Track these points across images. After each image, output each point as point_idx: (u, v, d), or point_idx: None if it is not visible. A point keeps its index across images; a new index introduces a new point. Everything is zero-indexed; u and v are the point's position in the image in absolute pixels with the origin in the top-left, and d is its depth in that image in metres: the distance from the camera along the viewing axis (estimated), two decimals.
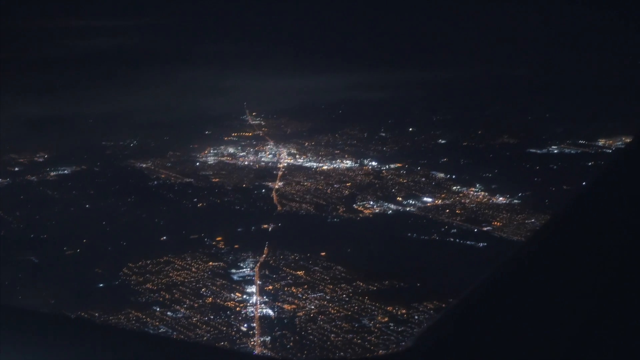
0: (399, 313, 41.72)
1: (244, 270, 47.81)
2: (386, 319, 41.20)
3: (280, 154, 79.20)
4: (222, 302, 43.67)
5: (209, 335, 39.95)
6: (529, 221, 56.61)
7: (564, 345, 4.69)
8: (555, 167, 72.64)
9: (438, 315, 5.34)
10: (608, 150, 76.94)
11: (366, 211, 60.69)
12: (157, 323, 41.18)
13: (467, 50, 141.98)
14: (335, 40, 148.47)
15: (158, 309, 42.84)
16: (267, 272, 47.31)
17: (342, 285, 45.41)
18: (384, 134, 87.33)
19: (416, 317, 41.03)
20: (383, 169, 72.03)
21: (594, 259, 5.24)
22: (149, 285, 45.82)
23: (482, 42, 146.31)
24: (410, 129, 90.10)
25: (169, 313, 42.44)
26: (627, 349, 4.71)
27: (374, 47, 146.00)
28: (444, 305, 40.68)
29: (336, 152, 79.54)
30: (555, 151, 79.20)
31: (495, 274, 5.44)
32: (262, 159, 77.84)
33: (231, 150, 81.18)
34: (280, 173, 71.40)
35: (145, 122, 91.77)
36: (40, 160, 74.86)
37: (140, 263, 48.88)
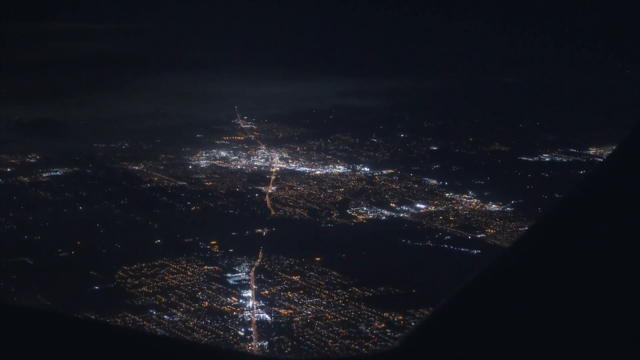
0: (396, 319, 41.75)
1: (240, 274, 47.76)
2: (383, 325, 41.23)
3: (272, 159, 79.28)
4: (218, 306, 43.58)
5: (206, 339, 39.85)
6: (523, 229, 56.70)
7: (549, 346, 4.79)
8: (547, 175, 72.87)
9: (426, 316, 5.44)
10: (599, 159, 77.25)
11: (360, 217, 60.75)
12: (154, 326, 41.04)
13: (458, 58, 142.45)
14: (327, 49, 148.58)
15: (154, 313, 42.72)
16: (262, 277, 47.27)
17: (338, 290, 45.41)
18: (375, 140, 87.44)
19: (413, 323, 41.04)
20: (376, 175, 72.11)
21: (581, 260, 5.34)
22: (144, 289, 45.67)
23: (473, 49, 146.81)
24: (402, 135, 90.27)
25: (165, 317, 42.31)
26: (610, 350, 4.82)
27: (365, 56, 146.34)
28: None
29: (328, 157, 79.66)
30: (547, 159, 79.53)
31: (483, 275, 5.53)
32: (255, 163, 77.85)
33: (223, 153, 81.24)
34: (273, 177, 71.42)
35: (136, 126, 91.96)
36: (32, 161, 74.59)
37: (135, 266, 48.73)
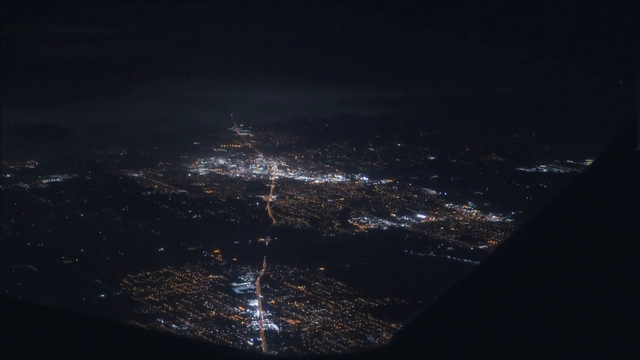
0: None
1: (245, 283, 47.85)
2: (391, 336, 41.23)
3: (270, 167, 79.33)
4: (225, 316, 43.68)
5: None
6: None
7: (534, 344, 4.92)
8: (545, 186, 72.94)
9: (415, 315, 5.61)
10: None
11: (361, 226, 60.86)
12: None
13: (452, 68, 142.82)
14: (327, 57, 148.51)
15: (162, 322, 42.76)
16: (268, 286, 47.37)
17: (344, 301, 45.54)
18: (372, 149, 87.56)
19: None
20: (375, 184, 72.24)
21: (565, 260, 5.47)
22: (150, 297, 45.74)
23: (467, 59, 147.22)
24: (398, 144, 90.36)
25: (173, 326, 42.37)
26: (596, 350, 4.96)
27: (362, 64, 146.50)
28: None
29: (326, 166, 79.76)
30: (544, 170, 79.71)
31: (469, 275, 5.67)
32: (253, 171, 77.92)
33: (221, 161, 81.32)
34: (272, 186, 71.46)
35: (133, 132, 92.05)
36: (31, 167, 74.55)
37: (140, 274, 48.79)
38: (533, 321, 5.09)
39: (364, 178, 74.93)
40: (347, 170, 77.87)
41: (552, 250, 5.65)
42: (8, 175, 70.99)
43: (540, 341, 4.99)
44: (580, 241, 5.66)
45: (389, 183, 72.56)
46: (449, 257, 54.34)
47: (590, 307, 5.16)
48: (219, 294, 46.27)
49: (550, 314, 5.16)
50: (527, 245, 5.81)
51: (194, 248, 53.74)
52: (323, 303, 45.22)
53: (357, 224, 61.23)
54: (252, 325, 42.44)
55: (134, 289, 46.88)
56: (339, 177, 75.33)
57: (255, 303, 45.16)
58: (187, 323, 42.66)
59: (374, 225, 61.17)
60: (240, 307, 44.52)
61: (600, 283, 5.33)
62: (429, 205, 66.14)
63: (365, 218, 62.60)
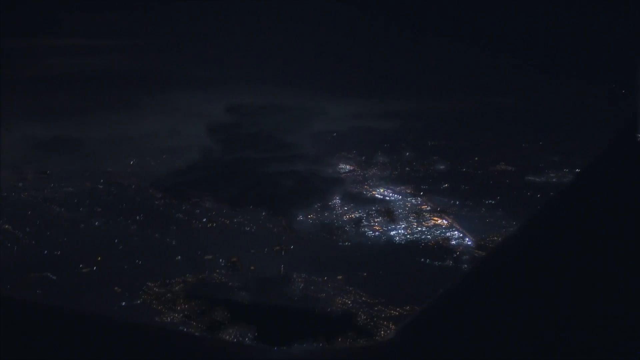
0: None
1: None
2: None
3: None
4: None
5: None
6: None
7: (532, 340, 5.03)
8: None
9: (418, 311, 5.77)
10: None
11: (376, 235, 60.89)
12: None
13: (459, 81, 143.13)
14: (336, 71, 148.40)
15: (185, 330, 42.70)
16: None
17: (365, 309, 45.51)
18: (381, 159, 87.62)
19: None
20: (387, 194, 72.25)
21: (560, 260, 5.58)
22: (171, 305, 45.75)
23: (474, 72, 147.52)
24: (407, 154, 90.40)
25: (196, 333, 42.31)
26: (592, 348, 5.05)
27: (366, 78, 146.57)
28: None
29: None
30: (554, 180, 79.68)
31: (468, 275, 5.80)
32: None
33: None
34: None
35: (143, 143, 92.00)
36: (44, 176, 74.50)
37: (159, 282, 48.79)
38: (530, 318, 5.20)
39: (376, 187, 74.97)
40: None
41: (550, 248, 5.77)
42: (20, 184, 71.03)
43: (537, 338, 5.09)
44: (577, 240, 5.78)
45: (401, 192, 72.57)
46: (465, 266, 54.33)
47: (588, 305, 5.25)
48: None
49: (547, 310, 5.26)
50: (526, 244, 5.95)
51: (210, 257, 53.76)
52: None
53: (372, 233, 61.25)
54: None
55: (154, 297, 46.88)
56: None
57: None
58: None
59: (389, 234, 61.22)
60: None
61: (598, 281, 5.43)
62: (442, 214, 66.17)
63: (381, 226, 62.64)
